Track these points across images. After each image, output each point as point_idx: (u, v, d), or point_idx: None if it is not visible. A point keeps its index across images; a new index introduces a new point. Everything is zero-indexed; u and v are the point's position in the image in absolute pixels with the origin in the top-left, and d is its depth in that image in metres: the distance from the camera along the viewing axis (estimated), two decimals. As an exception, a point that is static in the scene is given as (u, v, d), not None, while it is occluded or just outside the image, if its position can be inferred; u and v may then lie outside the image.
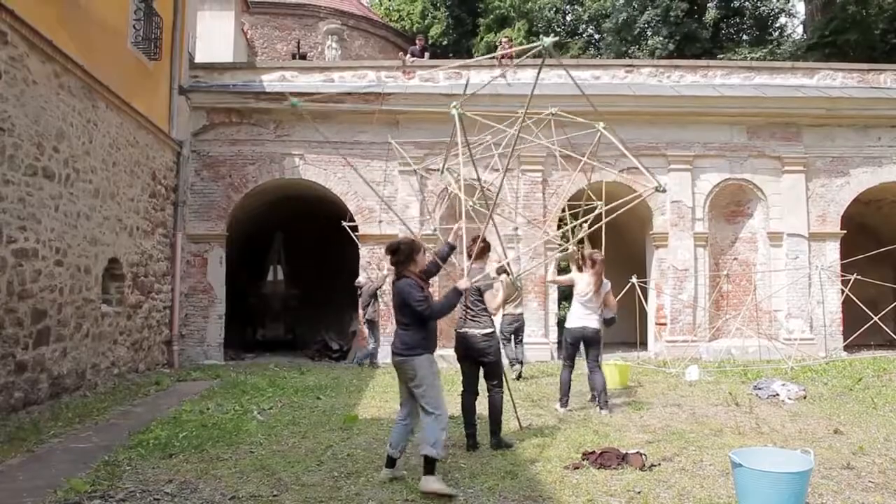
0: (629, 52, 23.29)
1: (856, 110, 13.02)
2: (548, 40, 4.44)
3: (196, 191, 12.41)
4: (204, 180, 12.45)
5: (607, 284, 7.35)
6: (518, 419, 6.41)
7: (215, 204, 12.43)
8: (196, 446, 5.60)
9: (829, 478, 4.68)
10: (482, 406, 5.70)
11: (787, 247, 12.89)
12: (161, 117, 11.08)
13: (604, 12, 26.15)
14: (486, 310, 5.69)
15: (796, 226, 12.91)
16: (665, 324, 12.84)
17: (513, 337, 9.96)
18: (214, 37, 15.79)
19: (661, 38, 22.18)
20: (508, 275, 7.25)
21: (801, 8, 29.13)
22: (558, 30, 27.98)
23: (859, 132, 13.11)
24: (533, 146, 9.14)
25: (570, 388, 7.31)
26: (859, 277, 11.31)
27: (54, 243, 7.58)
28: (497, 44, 19.82)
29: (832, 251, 12.96)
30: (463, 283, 4.74)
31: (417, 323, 4.57)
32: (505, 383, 5.89)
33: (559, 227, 11.34)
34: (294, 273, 16.00)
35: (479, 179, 5.94)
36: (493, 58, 13.33)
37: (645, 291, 12.28)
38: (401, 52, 16.39)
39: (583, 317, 7.18)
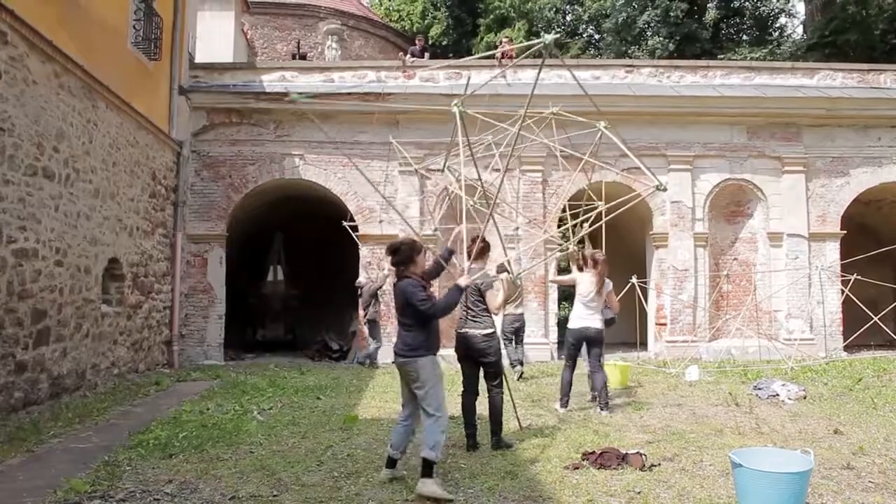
0: (629, 52, 23.29)
1: (856, 110, 13.02)
2: (549, 37, 4.44)
3: (196, 191, 12.41)
4: (204, 180, 12.45)
5: (609, 284, 7.36)
6: (518, 419, 6.41)
7: (215, 204, 12.43)
8: (196, 446, 5.60)
9: (829, 478, 4.68)
10: (482, 406, 5.70)
11: (787, 247, 12.89)
12: (161, 117, 11.08)
13: (604, 12, 26.14)
14: (486, 310, 5.69)
15: (796, 226, 12.91)
16: (665, 324, 12.83)
17: (514, 337, 9.94)
18: (214, 37, 15.78)
19: (661, 39, 22.18)
20: (508, 273, 7.26)
21: (801, 8, 29.15)
22: (558, 30, 27.97)
23: (859, 132, 13.11)
24: (533, 146, 9.16)
25: (570, 388, 7.31)
26: (859, 278, 11.31)
27: (54, 243, 7.58)
28: (497, 44, 19.83)
29: (832, 251, 12.96)
30: (464, 281, 4.77)
31: (420, 323, 4.57)
32: (505, 384, 5.90)
33: (559, 227, 11.34)
34: (294, 273, 15.99)
35: (479, 179, 5.94)
36: (493, 56, 13.33)
37: (645, 291, 12.28)
38: (401, 52, 16.39)
39: (585, 317, 7.18)
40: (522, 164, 12.48)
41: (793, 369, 10.23)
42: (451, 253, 5.30)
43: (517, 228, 12.14)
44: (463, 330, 5.66)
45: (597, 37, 28.99)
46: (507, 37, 18.71)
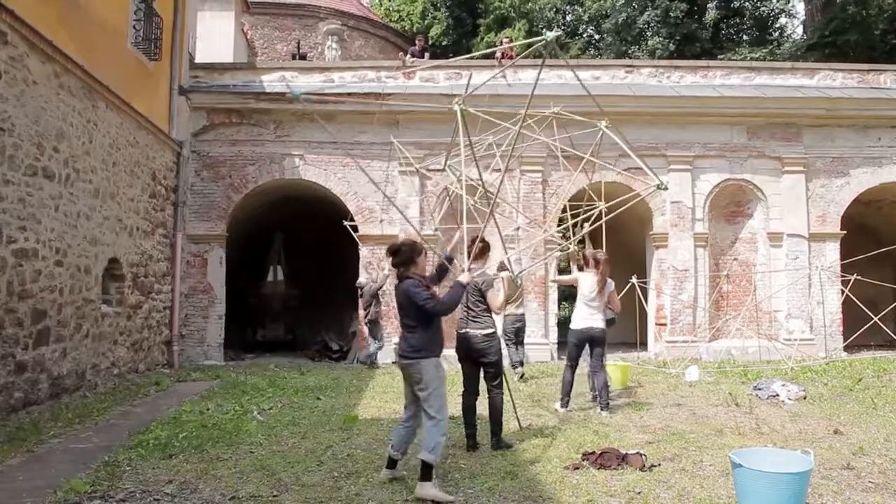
0: (629, 52, 23.31)
1: (856, 111, 13.02)
2: (551, 34, 4.43)
3: (196, 191, 12.40)
4: (204, 181, 12.45)
5: (611, 284, 7.35)
6: (518, 419, 6.41)
7: (215, 204, 12.43)
8: (196, 447, 5.60)
9: (829, 478, 4.68)
10: (482, 406, 5.70)
11: (787, 247, 12.89)
12: (161, 117, 11.08)
13: (604, 12, 26.16)
14: (487, 310, 5.69)
15: (796, 226, 12.91)
16: (665, 324, 12.83)
17: (515, 338, 9.92)
18: (214, 37, 15.78)
19: (661, 39, 22.19)
20: (509, 271, 7.26)
21: (800, 8, 29.14)
22: (559, 29, 27.97)
23: (859, 132, 13.11)
24: (533, 146, 9.16)
25: (571, 388, 7.31)
26: (859, 278, 11.31)
27: (54, 243, 7.58)
28: (498, 44, 19.85)
29: (832, 251, 12.96)
30: (465, 277, 4.79)
31: (424, 324, 4.57)
32: (505, 384, 5.90)
33: (559, 226, 11.35)
34: (294, 273, 15.99)
35: (480, 178, 5.93)
36: (493, 53, 13.32)
37: (645, 292, 12.28)
38: (400, 53, 16.39)
39: (588, 317, 7.18)
40: (522, 164, 12.48)
41: (793, 369, 10.23)
42: (450, 260, 5.31)
43: (517, 228, 12.14)
44: (463, 330, 5.67)
45: (597, 37, 29.02)
46: (507, 37, 18.71)
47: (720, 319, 12.80)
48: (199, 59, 13.68)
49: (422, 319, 4.56)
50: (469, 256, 5.50)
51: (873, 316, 10.65)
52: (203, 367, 11.36)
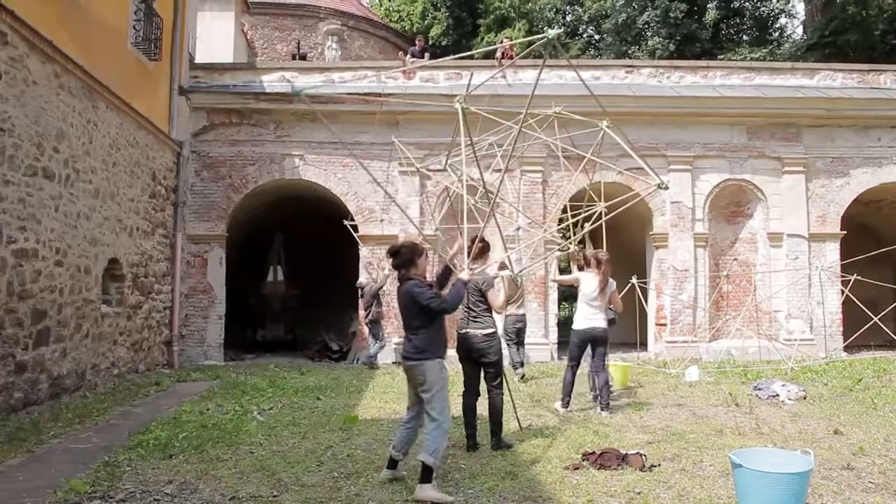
0: (629, 52, 23.31)
1: (856, 111, 13.02)
2: (552, 32, 4.43)
3: (196, 191, 12.40)
4: (204, 181, 12.45)
5: (612, 284, 7.35)
6: (518, 420, 6.41)
7: (215, 204, 12.43)
8: (196, 447, 5.60)
9: (829, 478, 4.68)
10: (482, 407, 5.70)
11: (787, 247, 12.89)
12: (161, 118, 11.08)
13: (604, 13, 26.17)
14: (487, 310, 5.70)
15: (796, 226, 12.91)
16: (665, 324, 12.83)
17: (516, 338, 9.91)
18: (214, 37, 15.78)
19: (660, 39, 22.20)
20: (509, 270, 7.25)
21: (800, 8, 29.15)
22: (559, 28, 27.98)
23: (859, 133, 13.11)
24: (533, 146, 9.16)
25: (572, 388, 7.30)
26: (859, 278, 11.31)
27: (54, 243, 7.58)
28: (498, 44, 19.85)
29: (832, 252, 12.96)
30: (465, 274, 4.81)
31: (427, 324, 4.58)
32: (505, 384, 5.90)
33: (559, 226, 11.34)
34: (294, 273, 15.99)
35: (481, 178, 5.94)
36: (493, 52, 13.32)
37: (645, 292, 12.28)
38: (400, 53, 16.38)
39: (590, 317, 7.18)
40: (523, 164, 12.48)
41: (793, 370, 10.23)
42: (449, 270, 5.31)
43: (518, 228, 12.14)
44: (464, 330, 5.67)
45: (597, 37, 29.02)
46: (507, 37, 18.71)
47: (720, 320, 12.80)
48: (199, 60, 13.68)
49: (426, 320, 4.56)
50: (469, 256, 5.50)
51: (873, 316, 10.65)
52: (203, 367, 11.36)
